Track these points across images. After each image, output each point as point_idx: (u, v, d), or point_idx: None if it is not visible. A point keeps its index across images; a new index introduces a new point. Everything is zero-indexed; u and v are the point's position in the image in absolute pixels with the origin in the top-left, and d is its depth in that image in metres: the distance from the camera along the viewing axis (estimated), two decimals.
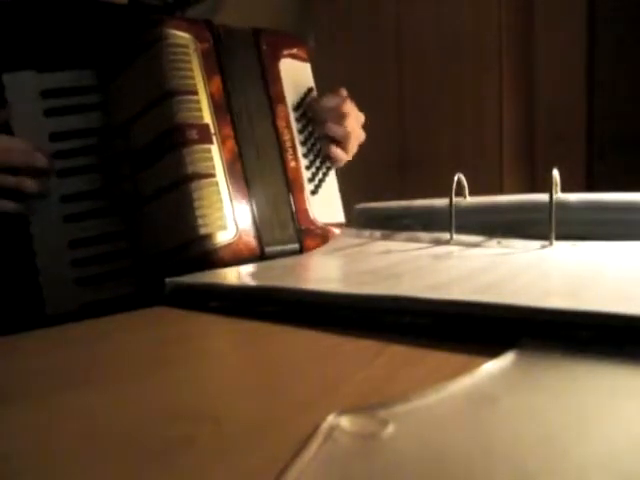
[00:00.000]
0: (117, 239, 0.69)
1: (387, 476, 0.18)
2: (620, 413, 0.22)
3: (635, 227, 0.55)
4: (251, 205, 0.66)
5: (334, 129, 0.77)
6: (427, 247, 0.61)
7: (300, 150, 0.73)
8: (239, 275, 0.55)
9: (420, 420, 0.22)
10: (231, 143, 0.66)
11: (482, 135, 1.42)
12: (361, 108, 0.82)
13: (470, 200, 0.65)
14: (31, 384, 0.29)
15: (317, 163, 0.75)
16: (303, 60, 0.77)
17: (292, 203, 0.70)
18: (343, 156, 0.79)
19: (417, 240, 0.64)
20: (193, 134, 0.63)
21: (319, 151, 0.76)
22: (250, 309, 0.42)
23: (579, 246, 0.54)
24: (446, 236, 0.62)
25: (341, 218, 0.76)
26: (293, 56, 0.76)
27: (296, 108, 0.74)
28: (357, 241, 0.68)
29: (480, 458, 0.19)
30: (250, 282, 0.53)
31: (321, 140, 0.76)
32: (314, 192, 0.73)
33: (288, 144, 0.72)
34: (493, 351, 0.29)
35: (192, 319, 0.43)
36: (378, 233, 0.68)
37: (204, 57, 0.66)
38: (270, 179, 0.69)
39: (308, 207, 0.71)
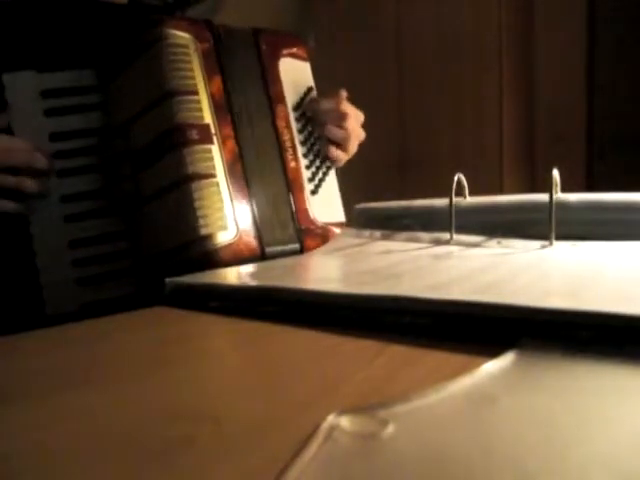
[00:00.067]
0: (117, 239, 0.69)
1: (387, 476, 0.18)
2: (620, 413, 0.22)
3: (635, 227, 0.55)
4: (251, 205, 0.66)
5: (334, 131, 0.77)
6: (427, 247, 0.61)
7: (300, 150, 0.73)
8: (239, 275, 0.55)
9: (420, 420, 0.22)
10: (231, 143, 0.66)
11: (482, 135, 1.42)
12: (361, 108, 0.82)
13: (470, 200, 0.65)
14: (31, 384, 0.29)
15: (317, 163, 0.75)
16: (303, 59, 0.77)
17: (292, 203, 0.70)
18: (343, 157, 0.79)
19: (417, 240, 0.64)
20: (193, 134, 0.63)
21: (319, 151, 0.76)
22: (250, 309, 0.42)
23: (579, 246, 0.54)
24: (446, 236, 0.62)
25: (341, 218, 0.76)
26: (293, 55, 0.76)
27: (296, 108, 0.74)
28: (357, 241, 0.68)
29: (480, 458, 0.19)
30: (250, 282, 0.53)
31: (321, 140, 0.76)
32: (314, 192, 0.73)
33: (288, 144, 0.72)
34: (493, 351, 0.29)
35: (192, 319, 0.43)
36: (378, 233, 0.68)
37: (204, 57, 0.66)
38: (270, 179, 0.69)
39: (308, 207, 0.71)
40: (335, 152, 0.77)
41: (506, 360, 0.28)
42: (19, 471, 0.20)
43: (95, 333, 0.41)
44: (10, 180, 0.65)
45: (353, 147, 0.81)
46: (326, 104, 0.77)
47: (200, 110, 0.65)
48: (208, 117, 0.65)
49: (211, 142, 0.64)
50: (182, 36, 0.66)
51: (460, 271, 0.49)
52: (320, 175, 0.75)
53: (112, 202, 0.69)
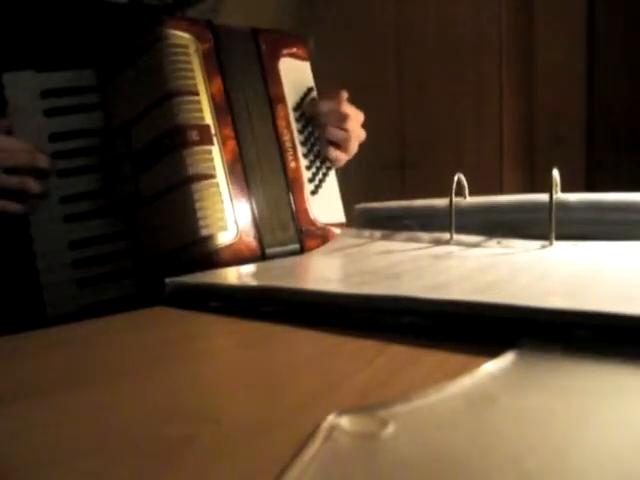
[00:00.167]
0: (117, 240, 0.69)
1: (387, 476, 0.18)
2: (620, 413, 0.22)
3: (635, 227, 0.55)
4: (252, 206, 0.66)
5: (334, 132, 0.77)
6: (427, 247, 0.61)
7: (300, 150, 0.73)
8: (239, 275, 0.55)
9: (420, 420, 0.22)
10: (232, 144, 0.66)
11: (482, 135, 1.42)
12: (361, 108, 0.82)
13: (470, 200, 0.65)
14: (31, 384, 0.29)
15: (317, 163, 0.75)
16: (303, 59, 0.77)
17: (292, 203, 0.70)
18: (343, 157, 0.79)
19: (417, 240, 0.64)
20: (194, 135, 0.63)
21: (319, 151, 0.76)
22: (250, 309, 0.42)
23: (579, 246, 0.54)
24: (446, 236, 0.62)
25: (341, 218, 0.76)
26: (293, 55, 0.76)
27: (296, 108, 0.74)
28: (357, 241, 0.68)
29: (480, 458, 0.19)
30: (250, 282, 0.53)
31: (321, 141, 0.76)
32: (314, 192, 0.73)
33: (288, 144, 0.72)
34: (493, 351, 0.29)
35: (192, 319, 0.43)
36: (378, 233, 0.68)
37: (204, 57, 0.66)
38: (270, 180, 0.69)
39: (308, 207, 0.71)
40: (334, 153, 0.77)
41: (506, 360, 0.28)
42: (19, 471, 0.20)
43: (95, 333, 0.41)
44: (13, 181, 0.64)
45: (353, 148, 0.81)
46: (326, 105, 0.77)
47: (200, 111, 0.64)
48: (208, 118, 0.65)
49: (211, 143, 0.64)
50: (182, 36, 0.65)
51: (460, 271, 0.49)
52: (320, 175, 0.75)
53: (112, 203, 0.69)
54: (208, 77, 0.66)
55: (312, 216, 0.71)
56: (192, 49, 0.66)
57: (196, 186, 0.62)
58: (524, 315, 0.32)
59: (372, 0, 1.55)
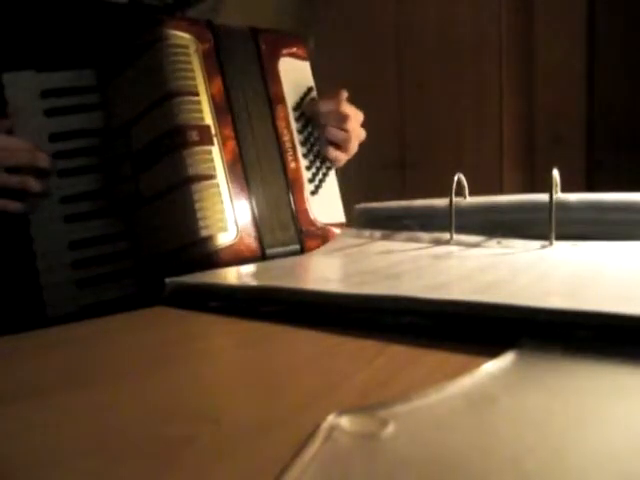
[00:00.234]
0: (117, 240, 0.69)
1: (387, 476, 0.18)
2: (620, 413, 0.22)
3: (635, 227, 0.55)
4: (252, 206, 0.66)
5: (334, 132, 0.77)
6: (427, 247, 0.61)
7: (300, 150, 0.73)
8: (239, 275, 0.55)
9: (420, 420, 0.22)
10: (232, 144, 0.66)
11: (482, 135, 1.42)
12: (361, 108, 0.82)
13: (470, 200, 0.65)
14: (31, 384, 0.29)
15: (317, 163, 0.75)
16: (302, 59, 0.77)
17: (292, 204, 0.70)
18: (343, 157, 0.79)
19: (417, 240, 0.64)
20: (194, 135, 0.63)
21: (319, 151, 0.76)
22: (250, 309, 0.42)
23: (579, 246, 0.54)
24: (446, 236, 0.62)
25: (341, 218, 0.76)
26: (292, 55, 0.76)
27: (296, 108, 0.74)
28: (357, 241, 0.68)
29: (480, 458, 0.19)
30: (250, 282, 0.53)
31: (321, 141, 0.76)
32: (314, 192, 0.73)
33: (288, 144, 0.72)
34: (493, 351, 0.29)
35: (192, 319, 0.43)
36: (378, 233, 0.68)
37: (204, 57, 0.66)
38: (270, 180, 0.69)
39: (308, 207, 0.71)
40: (334, 153, 0.77)
41: (506, 360, 0.28)
42: (19, 471, 0.20)
43: (95, 333, 0.41)
44: (14, 180, 0.64)
45: (353, 147, 0.81)
46: (326, 105, 0.77)
47: (200, 111, 0.64)
48: (208, 118, 0.65)
49: (211, 143, 0.64)
50: (182, 36, 0.65)
51: (460, 271, 0.49)
52: (320, 176, 0.75)
53: (112, 203, 0.69)
54: (208, 77, 0.66)
55: (312, 216, 0.71)
56: (192, 49, 0.66)
57: (196, 186, 0.62)
58: (524, 315, 0.32)
59: (372, 0, 1.55)
